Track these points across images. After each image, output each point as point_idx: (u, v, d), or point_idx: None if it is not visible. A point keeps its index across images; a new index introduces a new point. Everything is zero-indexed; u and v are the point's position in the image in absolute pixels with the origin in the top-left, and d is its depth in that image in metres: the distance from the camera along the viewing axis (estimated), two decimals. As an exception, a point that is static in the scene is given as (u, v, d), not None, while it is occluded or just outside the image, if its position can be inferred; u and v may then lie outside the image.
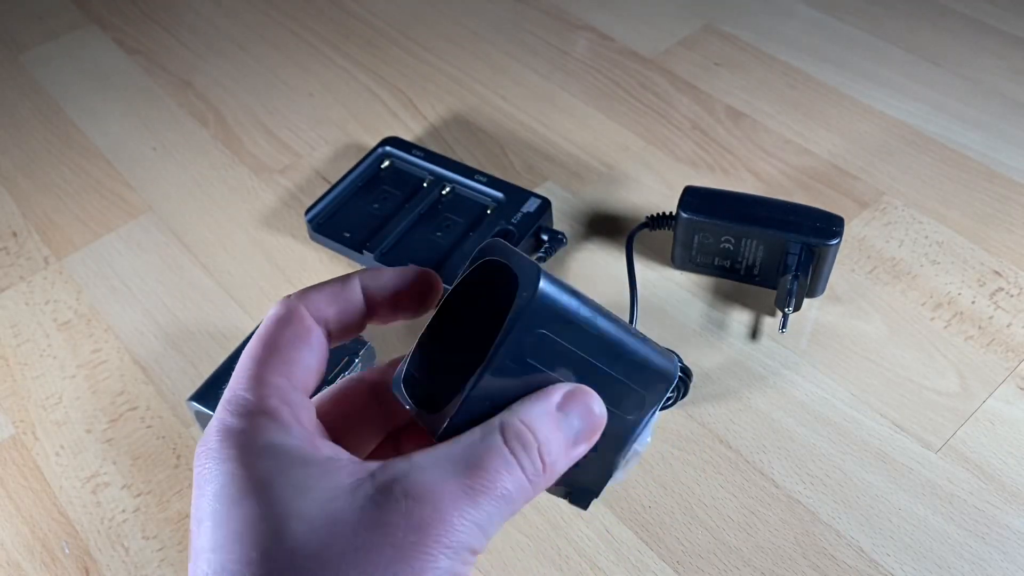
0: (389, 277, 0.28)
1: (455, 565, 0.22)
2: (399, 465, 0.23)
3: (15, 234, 0.63)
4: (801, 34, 0.74)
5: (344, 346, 0.49)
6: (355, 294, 0.28)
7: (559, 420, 0.25)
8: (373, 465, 0.24)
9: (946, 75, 0.70)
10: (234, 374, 0.25)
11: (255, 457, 0.23)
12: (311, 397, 0.26)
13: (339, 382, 0.30)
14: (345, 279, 0.28)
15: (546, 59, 0.74)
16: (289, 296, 0.27)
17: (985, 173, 0.62)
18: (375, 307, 0.28)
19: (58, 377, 0.54)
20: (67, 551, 0.47)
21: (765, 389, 0.51)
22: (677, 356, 0.28)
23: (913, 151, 0.64)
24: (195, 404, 0.47)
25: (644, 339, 0.28)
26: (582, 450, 0.26)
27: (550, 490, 0.29)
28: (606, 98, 0.70)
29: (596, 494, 0.30)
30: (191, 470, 0.49)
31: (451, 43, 0.76)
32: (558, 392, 0.26)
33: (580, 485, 0.29)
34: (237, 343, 0.51)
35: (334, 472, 0.23)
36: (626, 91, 0.70)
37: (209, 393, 0.48)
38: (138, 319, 0.57)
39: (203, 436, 0.24)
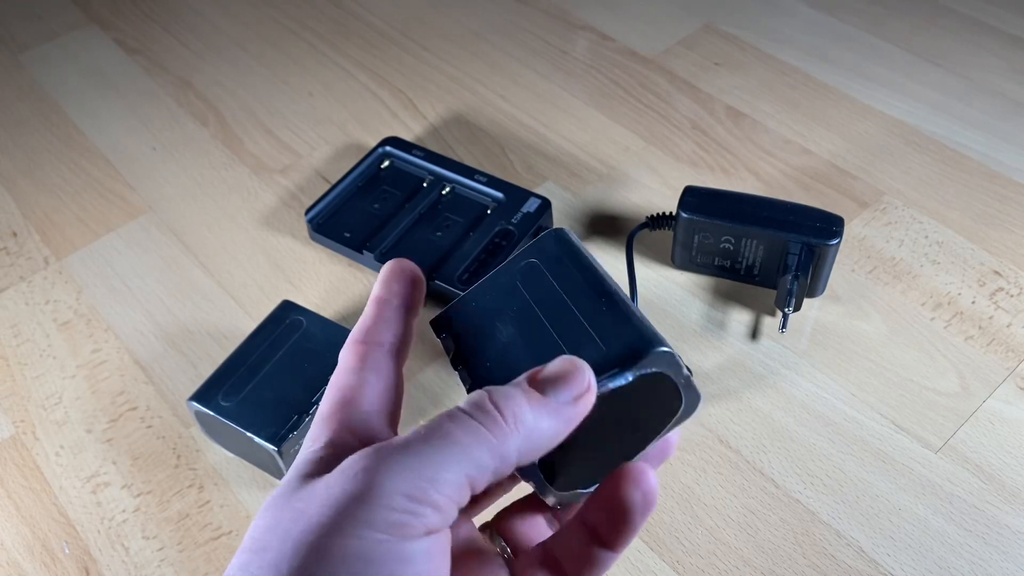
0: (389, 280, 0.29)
1: (388, 513, 0.21)
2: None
3: (15, 234, 0.63)
4: (801, 34, 0.74)
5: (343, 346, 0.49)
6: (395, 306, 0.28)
7: (528, 391, 0.24)
8: None
9: (946, 75, 0.70)
10: (312, 427, 0.27)
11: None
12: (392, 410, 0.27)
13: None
14: (379, 303, 0.28)
15: (546, 59, 0.74)
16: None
17: (985, 173, 0.62)
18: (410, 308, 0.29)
19: (58, 377, 0.54)
20: (67, 551, 0.47)
21: (765, 389, 0.51)
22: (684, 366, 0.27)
23: (913, 151, 0.64)
24: (195, 404, 0.47)
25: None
26: (564, 410, 0.24)
27: (526, 480, 0.27)
28: (606, 98, 0.70)
29: (577, 499, 0.28)
30: (191, 470, 0.49)
31: (451, 43, 0.76)
32: (526, 373, 0.25)
33: (568, 484, 0.28)
34: (237, 343, 0.51)
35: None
36: (626, 91, 0.70)
37: (209, 393, 0.48)
38: (138, 319, 0.57)
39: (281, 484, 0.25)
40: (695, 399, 0.27)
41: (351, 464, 0.22)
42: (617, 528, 0.26)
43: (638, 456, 0.27)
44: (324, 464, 0.24)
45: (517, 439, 0.23)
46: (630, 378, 0.25)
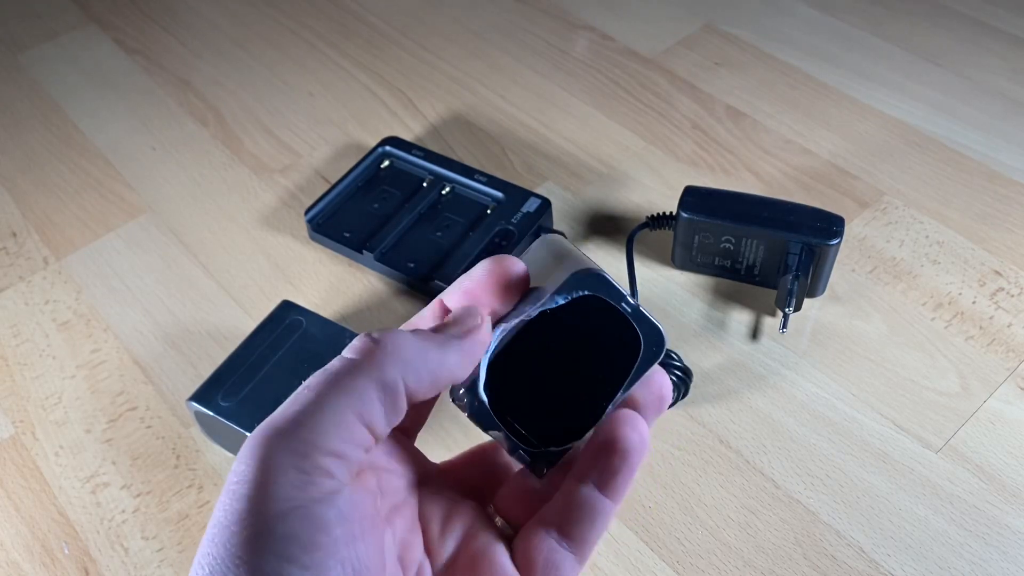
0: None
1: (286, 489, 0.22)
2: None
3: (14, 234, 0.63)
4: (801, 34, 0.74)
5: (343, 346, 0.49)
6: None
7: (413, 327, 0.26)
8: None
9: (946, 75, 0.70)
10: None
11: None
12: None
13: None
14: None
15: (546, 59, 0.74)
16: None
17: (985, 173, 0.62)
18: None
19: (57, 377, 0.54)
20: (67, 551, 0.47)
21: (765, 389, 0.51)
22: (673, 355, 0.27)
23: (913, 151, 0.64)
24: (195, 404, 0.47)
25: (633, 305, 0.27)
26: (454, 336, 0.25)
27: (499, 442, 0.27)
28: (606, 98, 0.70)
29: (555, 460, 0.28)
30: (191, 470, 0.49)
31: (451, 43, 0.76)
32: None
33: (542, 441, 0.27)
34: (237, 343, 0.51)
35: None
36: (626, 91, 0.70)
37: (208, 393, 0.48)
38: (138, 319, 0.57)
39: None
40: (654, 333, 0.26)
41: (242, 455, 0.23)
42: (614, 475, 0.26)
43: (612, 405, 0.26)
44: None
45: (397, 365, 0.24)
46: (559, 301, 0.25)
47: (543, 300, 0.25)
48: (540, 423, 0.27)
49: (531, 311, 0.25)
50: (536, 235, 0.57)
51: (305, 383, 0.24)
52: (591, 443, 0.26)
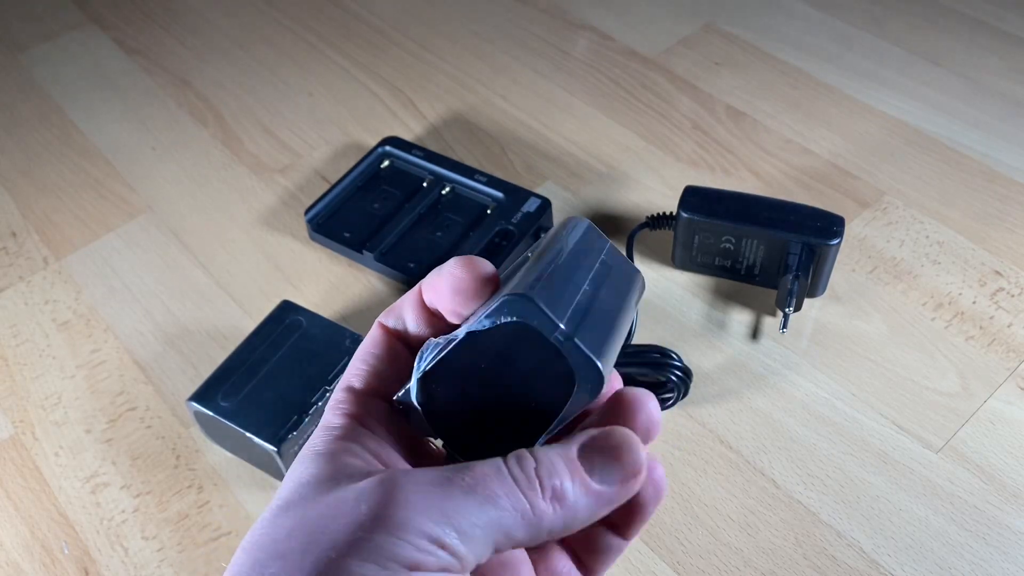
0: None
1: (409, 550, 0.21)
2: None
3: (14, 234, 0.63)
4: (802, 34, 0.74)
5: (343, 346, 0.49)
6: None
7: (575, 464, 0.23)
8: None
9: (947, 75, 0.70)
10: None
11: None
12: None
13: None
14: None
15: (546, 59, 0.74)
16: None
17: (986, 173, 0.62)
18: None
19: (57, 377, 0.54)
20: (66, 551, 0.47)
21: (765, 389, 0.51)
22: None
23: (914, 151, 0.64)
24: (194, 404, 0.47)
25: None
26: (607, 493, 0.23)
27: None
28: (606, 98, 0.70)
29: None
30: (190, 470, 0.49)
31: (451, 43, 0.76)
32: (580, 436, 0.23)
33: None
34: (236, 343, 0.51)
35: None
36: (626, 91, 0.70)
37: (208, 393, 0.48)
38: (137, 319, 0.57)
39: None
40: (590, 368, 0.23)
41: (385, 484, 0.22)
42: (628, 518, 0.26)
43: (542, 439, 0.25)
44: (348, 463, 0.24)
45: (553, 519, 0.22)
46: (487, 324, 0.23)
47: (473, 319, 0.24)
48: (470, 444, 0.26)
49: (460, 330, 0.24)
50: (536, 235, 0.57)
51: (461, 472, 0.22)
52: None
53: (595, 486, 0.23)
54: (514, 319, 0.23)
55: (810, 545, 0.44)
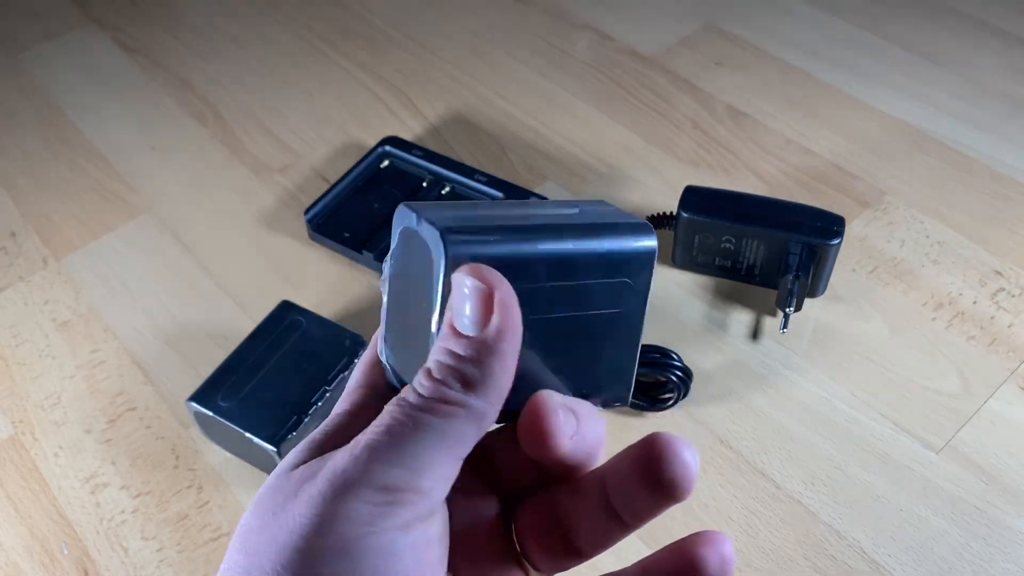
0: None
1: (366, 507, 0.21)
2: None
3: (14, 234, 0.63)
4: (802, 33, 0.74)
5: (343, 346, 0.49)
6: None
7: (445, 337, 0.23)
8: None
9: (947, 75, 0.69)
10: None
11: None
12: None
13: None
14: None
15: (546, 58, 0.74)
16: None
17: (986, 173, 0.62)
18: None
19: (57, 377, 0.54)
20: (66, 552, 0.46)
21: (766, 389, 0.50)
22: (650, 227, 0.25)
23: (914, 151, 0.64)
24: (194, 405, 0.47)
25: (598, 226, 0.25)
26: (489, 333, 0.22)
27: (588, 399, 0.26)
28: (606, 97, 0.70)
29: (628, 386, 0.27)
30: (190, 471, 0.49)
31: (451, 42, 0.76)
32: (443, 334, 0.23)
33: (606, 386, 0.26)
34: (236, 343, 0.51)
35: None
36: (627, 91, 0.70)
37: (208, 394, 0.47)
38: (137, 319, 0.57)
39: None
40: (435, 236, 0.23)
41: (334, 461, 0.22)
42: (642, 510, 0.25)
43: (434, 322, 0.23)
44: (327, 447, 0.24)
45: (480, 391, 0.22)
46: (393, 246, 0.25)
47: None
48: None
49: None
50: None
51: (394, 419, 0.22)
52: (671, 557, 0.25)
53: (478, 335, 0.22)
54: (402, 227, 0.24)
55: (810, 545, 0.44)
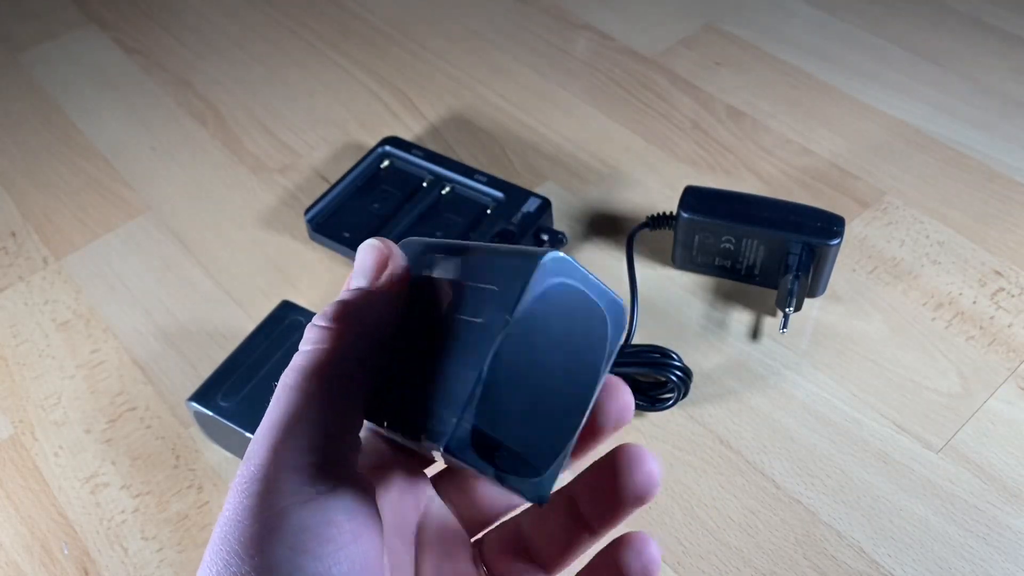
0: None
1: (294, 474, 0.22)
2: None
3: (14, 234, 0.63)
4: (802, 33, 0.74)
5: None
6: None
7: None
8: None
9: (947, 75, 0.69)
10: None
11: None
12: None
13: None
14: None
15: (546, 58, 0.74)
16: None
17: (986, 173, 0.62)
18: None
19: (57, 377, 0.54)
20: (66, 552, 0.46)
21: (766, 389, 0.50)
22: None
23: (914, 151, 0.64)
24: (194, 405, 0.47)
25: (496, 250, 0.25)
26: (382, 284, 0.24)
27: (474, 464, 0.22)
28: (606, 98, 0.70)
29: (539, 469, 0.23)
30: (190, 471, 0.49)
31: (451, 42, 0.76)
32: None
33: (511, 450, 0.23)
34: (236, 343, 0.51)
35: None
36: (627, 91, 0.70)
37: (208, 394, 0.48)
38: (137, 319, 0.57)
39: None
40: (614, 307, 0.23)
41: (250, 453, 0.23)
42: (606, 515, 0.26)
43: (593, 398, 0.23)
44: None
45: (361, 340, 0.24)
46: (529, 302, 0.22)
47: (509, 303, 0.22)
48: (527, 440, 0.23)
49: (506, 317, 0.22)
50: (536, 235, 0.57)
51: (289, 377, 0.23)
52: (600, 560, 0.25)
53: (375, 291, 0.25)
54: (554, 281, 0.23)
55: (810, 545, 0.44)
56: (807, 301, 0.54)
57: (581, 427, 0.23)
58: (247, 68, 0.75)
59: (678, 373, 0.48)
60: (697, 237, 0.54)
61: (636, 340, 0.53)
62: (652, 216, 0.56)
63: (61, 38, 0.80)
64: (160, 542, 0.47)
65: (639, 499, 0.25)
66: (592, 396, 0.24)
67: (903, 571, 0.43)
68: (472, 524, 0.28)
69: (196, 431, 0.51)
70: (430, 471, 0.28)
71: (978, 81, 0.69)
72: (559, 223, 0.60)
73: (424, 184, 0.61)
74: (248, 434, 0.46)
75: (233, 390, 0.48)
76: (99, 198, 0.65)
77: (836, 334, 0.53)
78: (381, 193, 0.61)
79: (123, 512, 0.48)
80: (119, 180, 0.66)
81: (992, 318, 0.53)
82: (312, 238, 0.60)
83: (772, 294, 0.54)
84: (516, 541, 0.27)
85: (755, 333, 0.53)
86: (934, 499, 0.46)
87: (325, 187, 0.64)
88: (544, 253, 0.22)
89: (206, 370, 0.53)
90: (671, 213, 0.56)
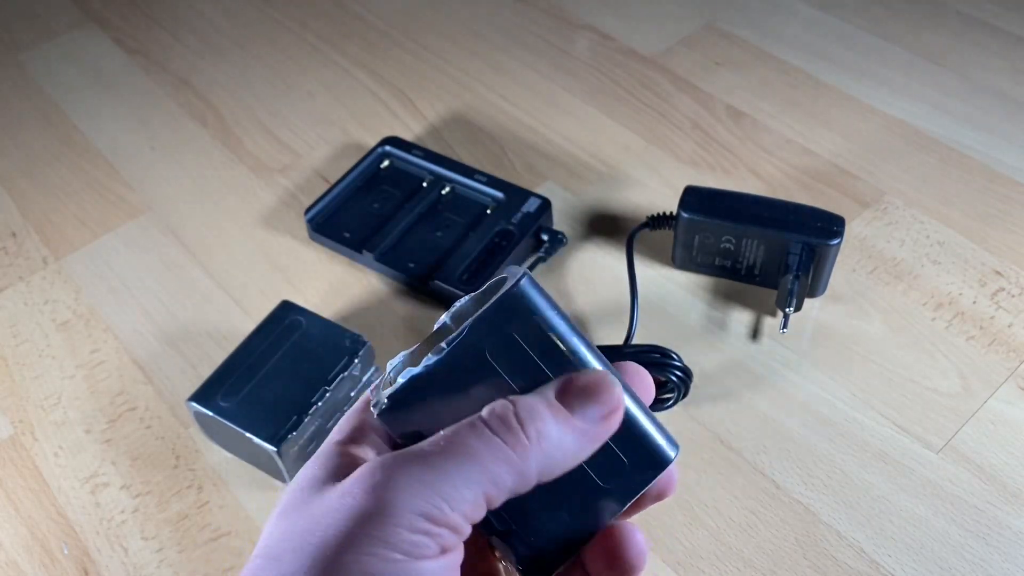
0: None
1: (403, 534, 0.21)
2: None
3: (14, 234, 0.63)
4: (802, 33, 0.74)
5: (343, 346, 0.49)
6: None
7: (555, 405, 0.23)
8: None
9: (947, 75, 0.69)
10: (341, 421, 0.26)
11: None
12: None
13: None
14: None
15: (546, 58, 0.74)
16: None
17: (986, 173, 0.62)
18: None
19: (57, 377, 0.54)
20: (66, 552, 0.46)
21: (766, 389, 0.50)
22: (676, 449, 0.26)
23: (914, 151, 0.64)
24: (194, 405, 0.47)
25: (646, 411, 0.26)
26: (590, 430, 0.23)
27: (497, 547, 0.26)
28: (607, 97, 0.70)
29: (550, 569, 0.26)
30: (190, 471, 0.49)
31: (451, 42, 0.76)
32: (555, 382, 0.24)
33: (538, 548, 0.26)
34: (236, 343, 0.51)
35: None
36: (627, 91, 0.70)
37: (208, 393, 0.47)
38: (137, 319, 0.57)
39: (296, 478, 0.24)
40: (518, 273, 0.24)
41: (367, 474, 0.22)
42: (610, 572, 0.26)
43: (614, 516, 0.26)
44: (343, 464, 0.24)
45: (539, 458, 0.23)
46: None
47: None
48: (538, 535, 0.25)
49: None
50: (536, 235, 0.57)
51: (437, 440, 0.23)
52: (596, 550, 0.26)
53: (578, 423, 0.23)
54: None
55: (810, 545, 0.44)
56: (807, 301, 0.54)
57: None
58: (247, 68, 0.75)
59: (678, 373, 0.48)
60: (697, 237, 0.54)
61: (636, 340, 0.53)
62: (652, 216, 0.56)
63: (61, 38, 0.80)
64: (160, 542, 0.47)
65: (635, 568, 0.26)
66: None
67: (903, 571, 0.43)
68: None
69: (196, 431, 0.51)
70: None
71: (978, 81, 0.69)
72: (559, 223, 0.60)
73: (424, 184, 0.61)
74: (248, 434, 0.46)
75: (233, 390, 0.48)
76: (99, 198, 0.65)
77: (836, 334, 0.53)
78: (381, 193, 0.61)
79: (123, 512, 0.48)
80: (119, 180, 0.66)
81: (992, 318, 0.53)
82: (312, 238, 0.60)
83: (772, 294, 0.54)
84: None
85: (755, 333, 0.53)
86: (934, 499, 0.46)
87: (325, 187, 0.64)
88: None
89: (206, 370, 0.53)
90: (671, 213, 0.56)
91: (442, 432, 0.23)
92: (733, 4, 0.78)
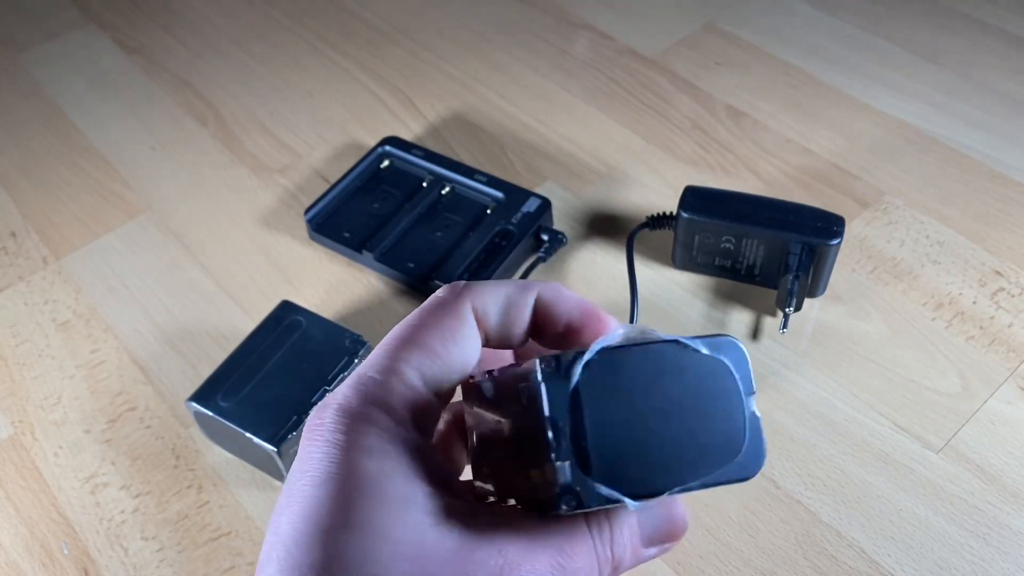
0: (571, 304, 0.26)
1: None
2: (496, 522, 0.23)
3: (14, 234, 0.63)
4: (802, 33, 0.74)
5: (343, 346, 0.49)
6: (526, 304, 0.26)
7: (639, 517, 0.25)
8: (463, 506, 0.23)
9: (947, 74, 0.69)
10: (375, 350, 0.25)
11: (364, 456, 0.22)
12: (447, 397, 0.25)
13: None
14: (524, 284, 0.26)
15: (546, 58, 0.74)
16: (456, 283, 0.26)
17: (986, 173, 0.62)
18: (544, 327, 0.26)
19: (57, 377, 0.54)
20: (66, 551, 0.46)
21: (766, 389, 0.50)
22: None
23: (914, 151, 0.64)
24: (194, 405, 0.47)
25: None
26: (653, 553, 0.26)
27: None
28: (606, 97, 0.70)
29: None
30: (190, 471, 0.49)
31: (451, 43, 0.76)
32: (649, 519, 0.26)
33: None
34: (236, 343, 0.51)
35: (430, 501, 0.23)
36: (627, 90, 0.70)
37: (208, 394, 0.47)
38: (137, 319, 0.57)
39: (321, 406, 0.24)
40: (757, 451, 0.25)
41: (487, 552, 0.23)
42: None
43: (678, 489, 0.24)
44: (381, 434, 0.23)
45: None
46: (691, 343, 0.24)
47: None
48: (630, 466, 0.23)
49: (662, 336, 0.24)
50: (536, 235, 0.57)
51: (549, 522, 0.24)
52: None
53: (646, 553, 0.25)
54: (719, 357, 0.24)
55: (810, 545, 0.44)
56: (807, 301, 0.54)
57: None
58: (247, 68, 0.75)
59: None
60: (697, 237, 0.54)
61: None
62: (652, 216, 0.56)
63: (61, 38, 0.80)
64: (160, 542, 0.47)
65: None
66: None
67: (903, 571, 0.43)
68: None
69: (196, 431, 0.51)
70: None
71: (978, 81, 0.69)
72: (559, 223, 0.60)
73: (424, 184, 0.61)
74: (248, 434, 0.46)
75: (233, 390, 0.48)
76: (99, 198, 0.65)
77: (836, 334, 0.53)
78: (381, 193, 0.61)
79: (123, 512, 0.48)
80: (119, 180, 0.66)
81: (992, 318, 0.53)
82: (312, 238, 0.60)
83: (772, 294, 0.54)
84: None
85: (755, 333, 0.53)
86: (934, 499, 0.46)
87: (325, 187, 0.64)
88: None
89: (206, 370, 0.53)
90: (671, 213, 0.56)
91: (558, 522, 0.24)
92: (733, 4, 0.78)
